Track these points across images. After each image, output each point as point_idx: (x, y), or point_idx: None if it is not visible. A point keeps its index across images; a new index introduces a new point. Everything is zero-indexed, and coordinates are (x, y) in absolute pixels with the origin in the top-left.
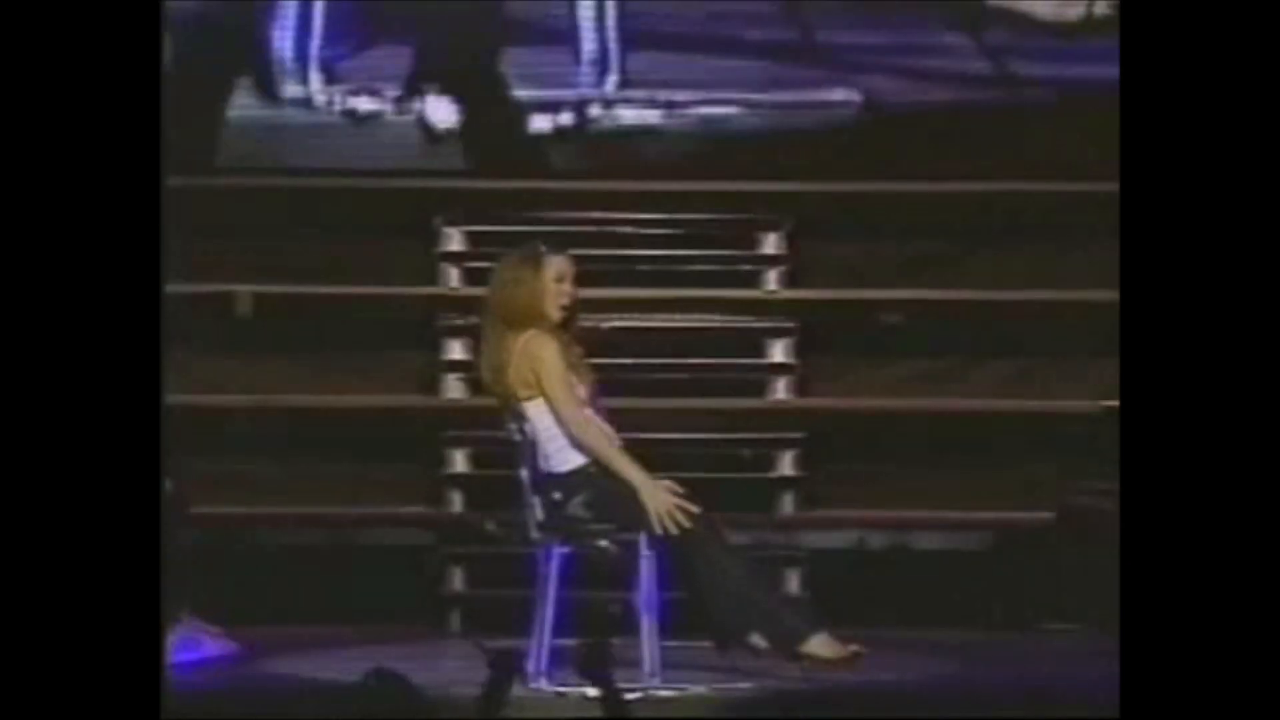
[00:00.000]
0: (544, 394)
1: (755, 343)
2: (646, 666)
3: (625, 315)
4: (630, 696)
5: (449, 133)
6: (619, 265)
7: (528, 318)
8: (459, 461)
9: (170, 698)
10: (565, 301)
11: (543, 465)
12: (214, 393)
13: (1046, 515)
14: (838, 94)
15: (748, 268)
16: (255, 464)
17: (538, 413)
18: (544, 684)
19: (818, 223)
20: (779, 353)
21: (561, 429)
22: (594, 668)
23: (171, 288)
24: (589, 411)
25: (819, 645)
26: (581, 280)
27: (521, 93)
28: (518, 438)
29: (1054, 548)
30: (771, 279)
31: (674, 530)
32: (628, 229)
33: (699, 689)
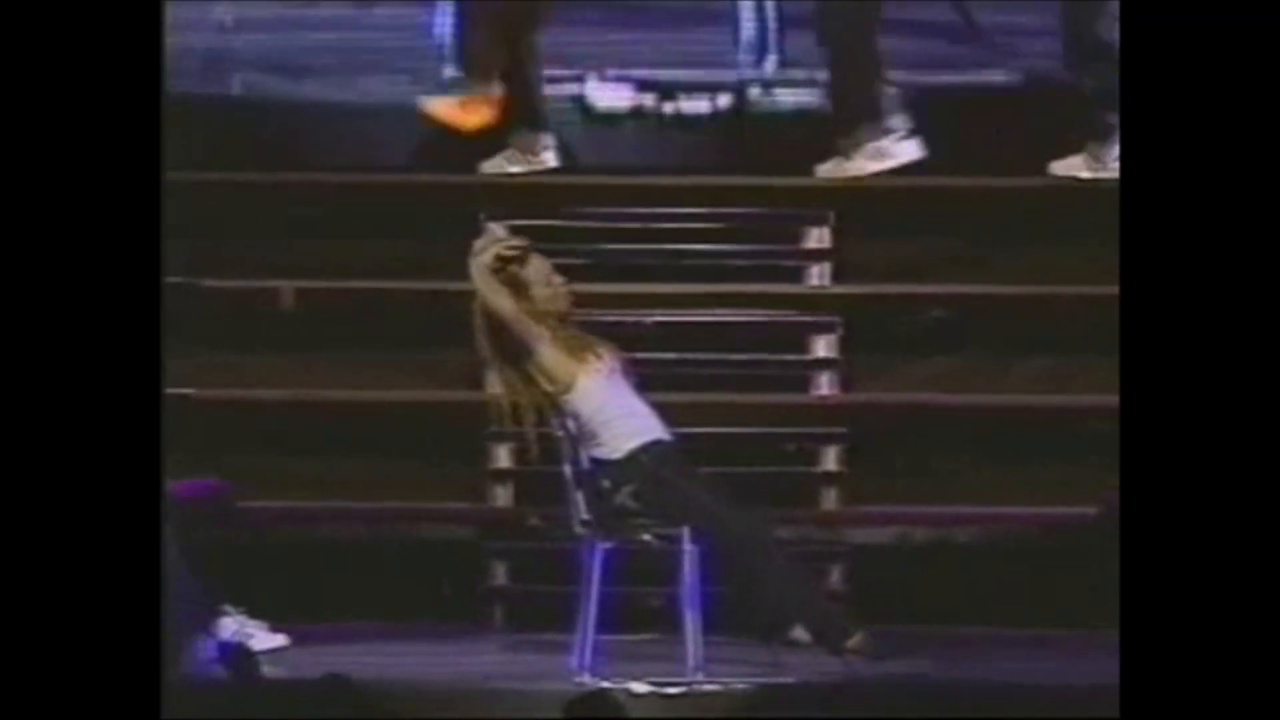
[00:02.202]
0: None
1: (799, 338)
2: (690, 661)
3: (669, 310)
4: (673, 691)
5: (609, 114)
6: (663, 260)
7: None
8: (502, 457)
9: (180, 695)
10: (564, 293)
11: (593, 453)
12: (257, 388)
13: (1091, 510)
14: (998, 75)
15: (791, 263)
16: (298, 459)
17: (580, 402)
18: (587, 679)
19: (861, 217)
20: (823, 348)
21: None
22: None
23: (214, 283)
24: None
25: (863, 643)
26: (625, 275)
27: (680, 74)
28: (560, 433)
29: (1099, 543)
30: (815, 274)
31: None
32: (671, 224)
33: (742, 684)
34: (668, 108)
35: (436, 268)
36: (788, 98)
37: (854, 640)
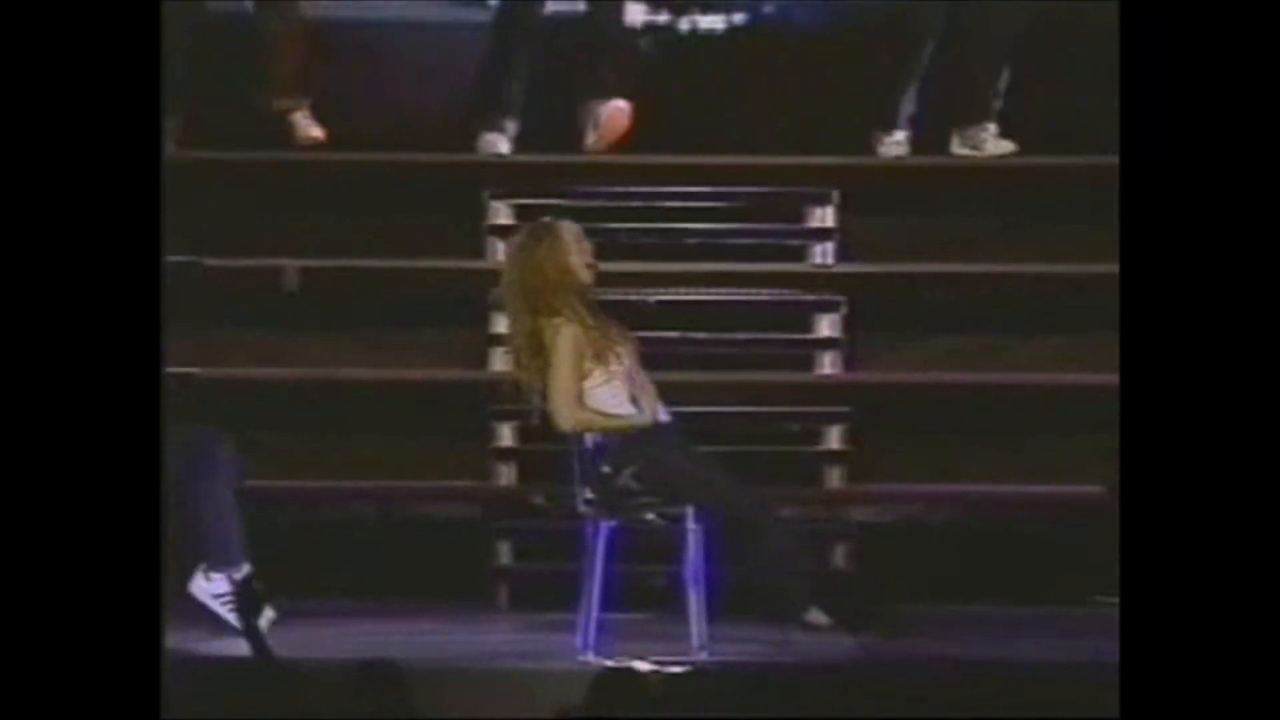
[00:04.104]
0: (548, 385)
1: (802, 317)
2: (694, 640)
3: (673, 289)
4: (676, 670)
5: (630, 30)
6: (666, 239)
7: (558, 291)
8: (506, 435)
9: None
10: (589, 260)
11: (593, 435)
12: (260, 367)
13: (1096, 489)
14: None
15: (795, 242)
16: (301, 438)
17: (587, 385)
18: (591, 657)
19: (865, 196)
20: (826, 327)
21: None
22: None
23: (218, 262)
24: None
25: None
26: (629, 254)
27: None
28: None
29: (1104, 521)
30: (819, 253)
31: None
32: (675, 203)
33: (746, 663)
34: (683, 24)
35: (440, 246)
36: (804, 15)
37: (864, 620)
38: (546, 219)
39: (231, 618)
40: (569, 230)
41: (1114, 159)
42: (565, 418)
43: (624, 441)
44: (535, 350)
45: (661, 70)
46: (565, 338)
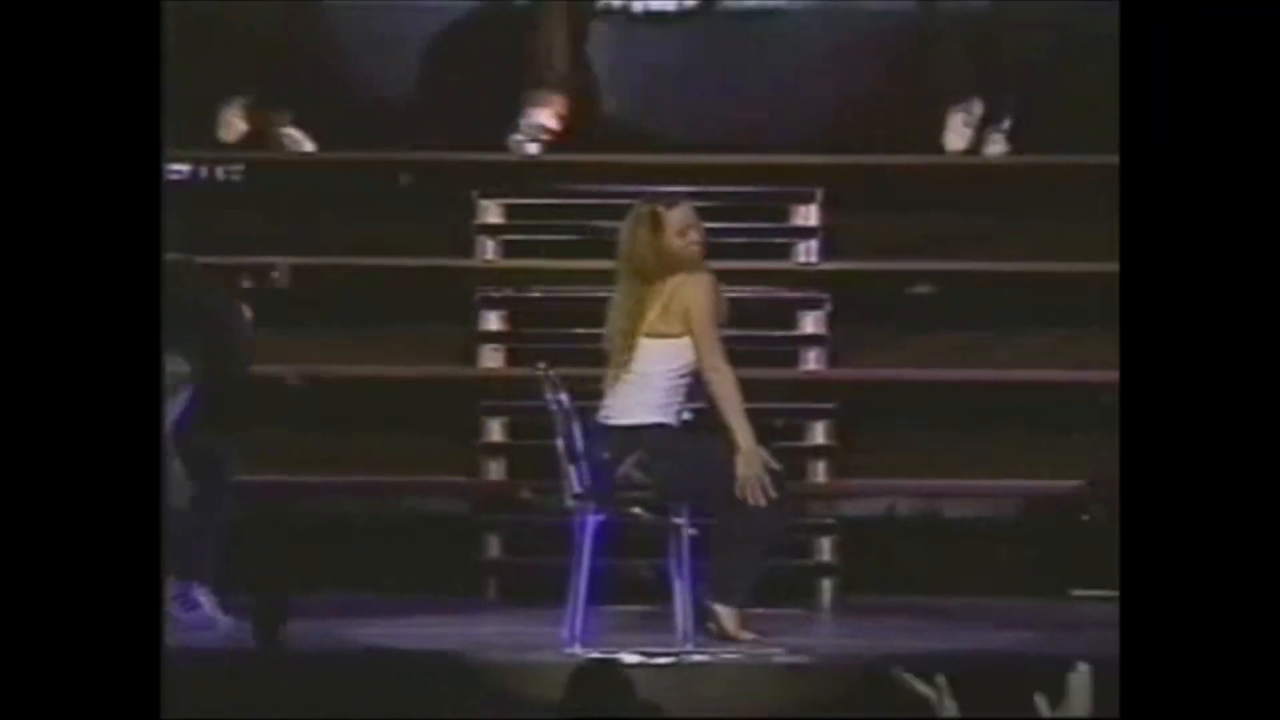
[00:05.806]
0: (692, 333)
1: (787, 314)
2: (679, 633)
3: None
4: (662, 662)
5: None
6: None
7: (662, 270)
8: (495, 431)
9: (176, 670)
10: (695, 250)
11: (613, 417)
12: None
13: (1078, 484)
14: None
15: (780, 240)
16: (291, 434)
17: (658, 355)
18: (579, 650)
19: (849, 194)
20: (810, 324)
21: (700, 368)
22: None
23: (210, 259)
24: None
25: (727, 616)
26: (615, 252)
27: None
28: (554, 408)
29: (1085, 516)
30: (803, 251)
31: (750, 500)
32: None
33: (732, 656)
34: (636, 5)
35: (430, 245)
36: (790, 11)
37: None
38: (647, 203)
39: (183, 618)
40: (675, 216)
41: (1114, 158)
42: (720, 370)
43: (625, 432)
44: (630, 328)
45: (650, 67)
46: (703, 283)
